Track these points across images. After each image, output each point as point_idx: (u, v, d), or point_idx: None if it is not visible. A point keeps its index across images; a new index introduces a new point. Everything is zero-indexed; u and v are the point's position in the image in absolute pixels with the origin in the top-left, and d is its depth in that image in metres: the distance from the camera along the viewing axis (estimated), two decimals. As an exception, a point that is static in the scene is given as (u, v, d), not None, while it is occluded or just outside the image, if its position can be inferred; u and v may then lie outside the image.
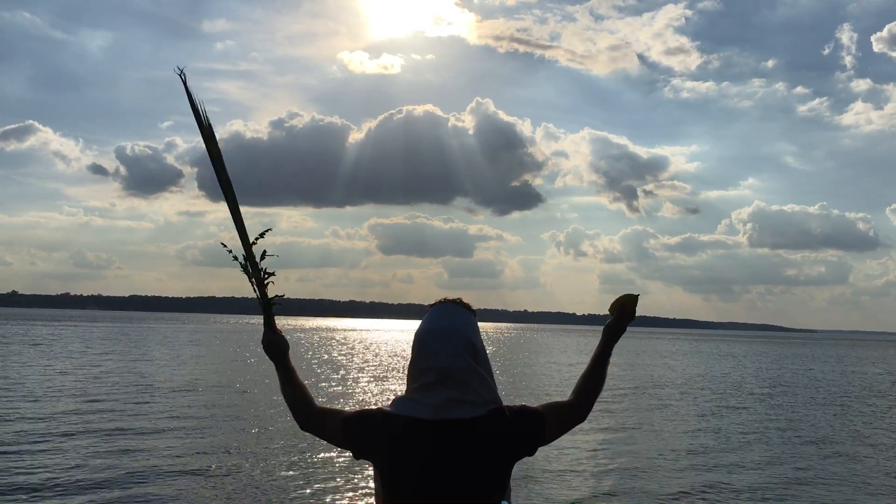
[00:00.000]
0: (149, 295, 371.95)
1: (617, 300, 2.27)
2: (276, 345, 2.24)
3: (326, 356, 43.79)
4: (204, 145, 2.32)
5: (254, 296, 2.32)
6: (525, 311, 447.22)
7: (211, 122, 2.29)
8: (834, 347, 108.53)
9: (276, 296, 2.30)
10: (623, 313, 2.25)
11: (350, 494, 10.49)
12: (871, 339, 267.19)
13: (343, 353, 48.94)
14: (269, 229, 2.31)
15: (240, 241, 2.30)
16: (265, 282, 2.30)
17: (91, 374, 26.95)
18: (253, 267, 2.29)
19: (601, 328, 2.29)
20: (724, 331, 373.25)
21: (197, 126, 2.30)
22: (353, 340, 73.85)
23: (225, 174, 2.33)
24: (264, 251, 2.29)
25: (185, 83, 2.25)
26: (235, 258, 2.29)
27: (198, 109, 2.27)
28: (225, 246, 2.31)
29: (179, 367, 31.85)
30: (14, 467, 11.41)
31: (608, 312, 2.28)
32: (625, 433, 16.86)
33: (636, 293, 2.25)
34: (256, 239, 2.29)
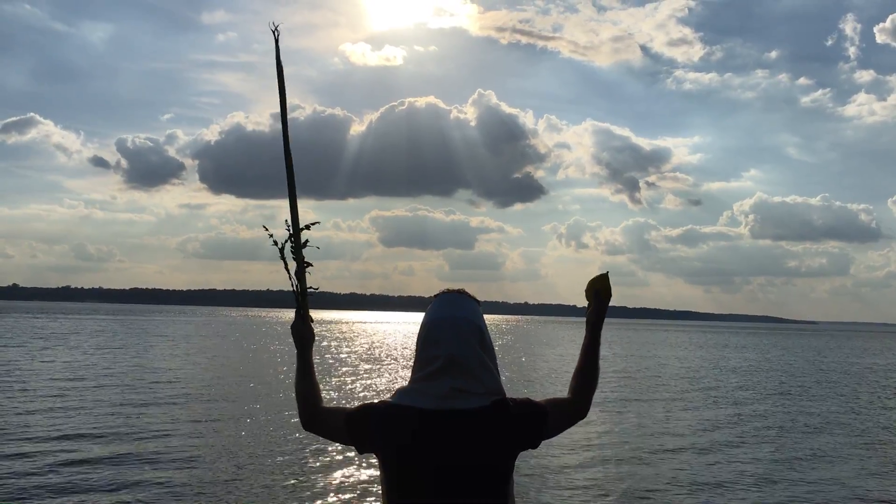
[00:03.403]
0: (149, 287, 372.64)
1: (590, 285, 2.22)
2: (303, 334, 2.27)
3: (327, 349, 43.81)
4: (280, 117, 2.34)
5: (265, 285, 2.39)
6: (525, 303, 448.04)
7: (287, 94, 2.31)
8: (835, 339, 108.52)
9: (311, 287, 2.31)
10: (599, 297, 2.20)
11: (356, 486, 10.50)
12: (872, 330, 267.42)
13: (344, 345, 48.95)
14: (318, 222, 2.32)
15: (290, 225, 2.29)
16: (304, 271, 2.31)
17: (111, 370, 26.98)
18: (297, 253, 2.29)
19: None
20: (724, 322, 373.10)
21: (279, 96, 2.32)
22: (354, 333, 73.88)
23: (290, 158, 2.34)
24: (306, 241, 2.30)
25: (276, 42, 2.26)
26: (275, 243, 2.28)
27: (283, 80, 2.30)
28: (267, 229, 2.30)
29: (194, 362, 31.86)
30: (26, 464, 11.43)
31: (585, 300, 2.22)
32: (627, 427, 16.86)
33: (605, 271, 2.21)
34: (305, 227, 2.30)
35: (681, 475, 11.92)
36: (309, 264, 2.31)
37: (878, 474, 12.64)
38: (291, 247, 2.29)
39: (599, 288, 2.20)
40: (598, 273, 2.22)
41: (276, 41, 2.26)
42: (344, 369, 29.51)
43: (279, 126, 2.31)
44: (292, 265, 2.30)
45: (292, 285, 2.29)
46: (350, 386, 23.43)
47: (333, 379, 25.24)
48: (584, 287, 2.22)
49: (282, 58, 2.30)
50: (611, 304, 2.24)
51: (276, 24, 2.25)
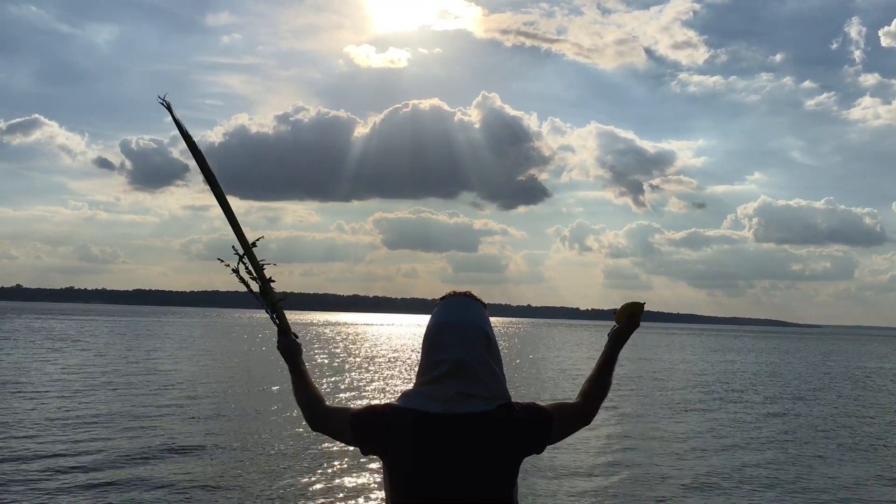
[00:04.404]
0: (153, 289, 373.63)
1: (625, 308, 2.28)
2: (289, 349, 2.32)
3: (331, 351, 43.82)
4: (196, 163, 2.35)
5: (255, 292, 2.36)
6: (529, 305, 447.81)
7: (194, 140, 2.35)
8: (840, 342, 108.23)
9: (282, 293, 2.35)
10: (631, 322, 2.27)
11: (359, 488, 10.49)
12: (876, 334, 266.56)
13: (347, 347, 48.96)
14: (262, 237, 2.35)
15: (240, 247, 2.33)
16: (271, 288, 2.33)
17: (120, 372, 27.01)
18: (259, 273, 2.32)
19: (605, 323, 2.28)
20: (728, 326, 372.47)
21: (188, 148, 2.35)
22: (357, 335, 73.90)
23: (218, 187, 2.37)
24: (262, 260, 2.35)
25: (171, 111, 2.31)
26: (235, 271, 2.31)
27: (186, 132, 2.35)
28: (221, 260, 2.33)
29: (201, 364, 31.89)
30: (35, 468, 11.45)
31: (615, 321, 2.29)
32: (634, 432, 16.83)
33: (642, 301, 2.28)
34: (253, 244, 2.34)
35: (688, 481, 11.88)
36: (271, 280, 2.34)
37: (884, 478, 12.60)
38: (247, 269, 2.31)
39: (634, 312, 2.27)
40: (635, 300, 2.29)
41: (170, 110, 2.31)
42: (347, 372, 29.48)
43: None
44: (255, 285, 2.32)
45: (262, 304, 2.32)
46: (354, 388, 23.43)
47: (337, 382, 25.24)
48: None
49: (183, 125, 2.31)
50: (613, 306, 2.33)
51: (163, 96, 2.31)
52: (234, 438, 13.94)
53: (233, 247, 2.33)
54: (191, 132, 2.33)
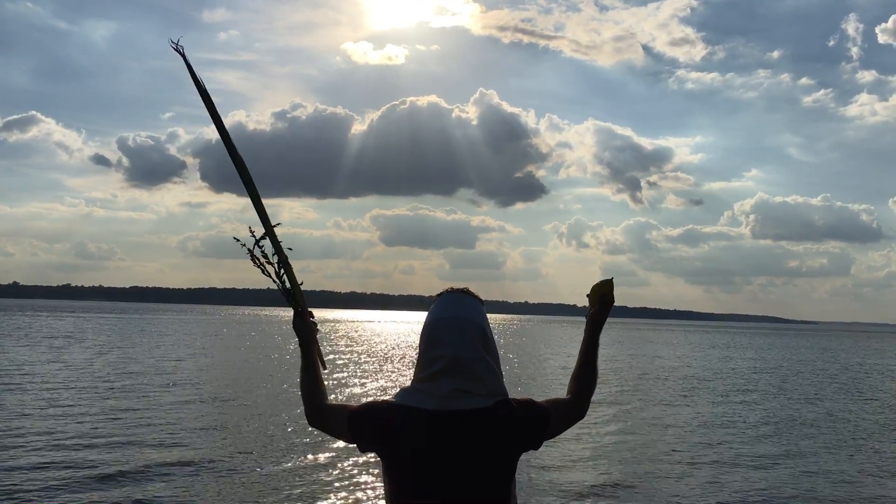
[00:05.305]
0: (150, 286, 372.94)
1: (596, 289, 2.22)
2: (303, 330, 2.28)
3: (328, 348, 43.80)
4: (214, 125, 2.30)
5: (265, 284, 2.29)
6: (525, 302, 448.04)
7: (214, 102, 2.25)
8: (836, 339, 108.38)
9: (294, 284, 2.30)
10: (605, 301, 2.21)
11: (359, 486, 10.49)
12: (873, 330, 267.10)
13: (344, 344, 48.94)
14: (279, 223, 2.33)
15: (258, 228, 2.29)
16: (290, 266, 2.30)
17: (122, 370, 26.99)
18: (279, 250, 2.27)
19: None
20: (725, 323, 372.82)
21: (205, 105, 2.29)
22: (354, 332, 73.86)
23: (241, 162, 2.34)
24: (280, 241, 2.32)
25: (184, 57, 2.23)
26: (250, 251, 2.27)
27: (203, 87, 2.27)
28: (237, 240, 2.30)
29: (200, 362, 31.87)
30: (36, 467, 11.41)
31: (589, 305, 2.23)
32: (631, 428, 16.86)
33: (610, 277, 2.22)
34: (276, 224, 2.31)
35: (685, 477, 11.91)
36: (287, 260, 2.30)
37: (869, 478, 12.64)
38: (261, 249, 2.27)
39: (605, 292, 2.21)
40: (603, 278, 2.23)
41: (185, 58, 2.22)
42: (345, 369, 29.48)
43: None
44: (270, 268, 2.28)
45: (278, 286, 2.28)
46: (351, 385, 23.42)
47: (335, 379, 25.22)
48: (588, 289, 2.23)
49: (208, 78, 2.22)
50: None
51: (177, 41, 2.21)
52: (231, 437, 13.94)
53: (249, 227, 2.28)
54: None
